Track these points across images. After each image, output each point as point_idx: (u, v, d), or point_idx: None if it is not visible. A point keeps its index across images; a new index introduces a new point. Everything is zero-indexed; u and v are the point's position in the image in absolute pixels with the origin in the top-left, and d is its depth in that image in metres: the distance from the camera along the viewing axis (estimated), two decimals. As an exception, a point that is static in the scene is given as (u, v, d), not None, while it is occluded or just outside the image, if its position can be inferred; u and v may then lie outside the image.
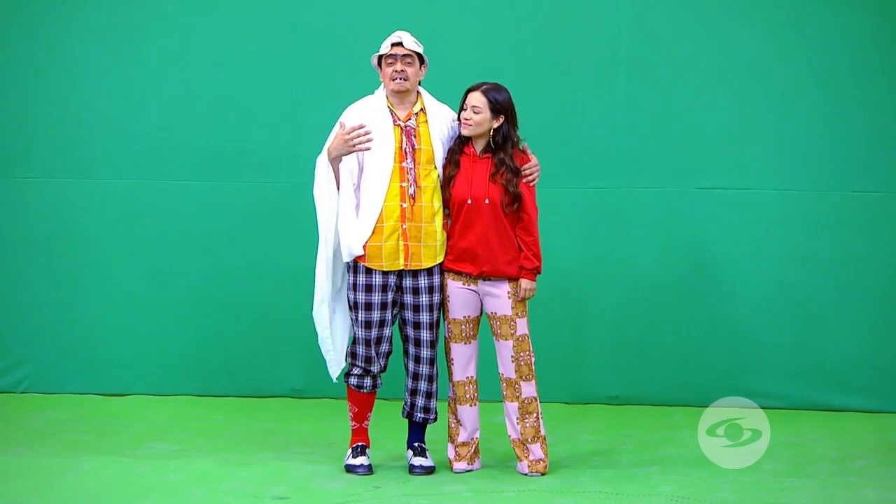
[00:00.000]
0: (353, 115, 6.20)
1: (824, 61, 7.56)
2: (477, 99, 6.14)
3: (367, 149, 6.08)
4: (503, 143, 6.16)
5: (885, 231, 7.57)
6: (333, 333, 6.23)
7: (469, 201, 6.14)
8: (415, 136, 6.18)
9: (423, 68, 6.23)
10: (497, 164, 6.15)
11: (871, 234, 7.58)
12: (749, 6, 7.57)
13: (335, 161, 6.12)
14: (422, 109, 6.23)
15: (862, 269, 7.60)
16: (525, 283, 6.17)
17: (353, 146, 6.06)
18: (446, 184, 6.19)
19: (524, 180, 6.15)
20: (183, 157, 7.77)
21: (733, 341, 7.66)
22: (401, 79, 6.13)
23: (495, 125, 6.15)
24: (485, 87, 6.17)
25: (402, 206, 6.12)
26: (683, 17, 7.60)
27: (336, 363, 6.26)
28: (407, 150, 6.15)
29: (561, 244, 7.35)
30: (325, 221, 6.16)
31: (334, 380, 6.30)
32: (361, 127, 6.07)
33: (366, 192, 6.13)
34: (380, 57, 6.20)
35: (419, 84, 6.26)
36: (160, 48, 7.75)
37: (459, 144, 6.23)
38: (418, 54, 6.18)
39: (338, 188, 6.14)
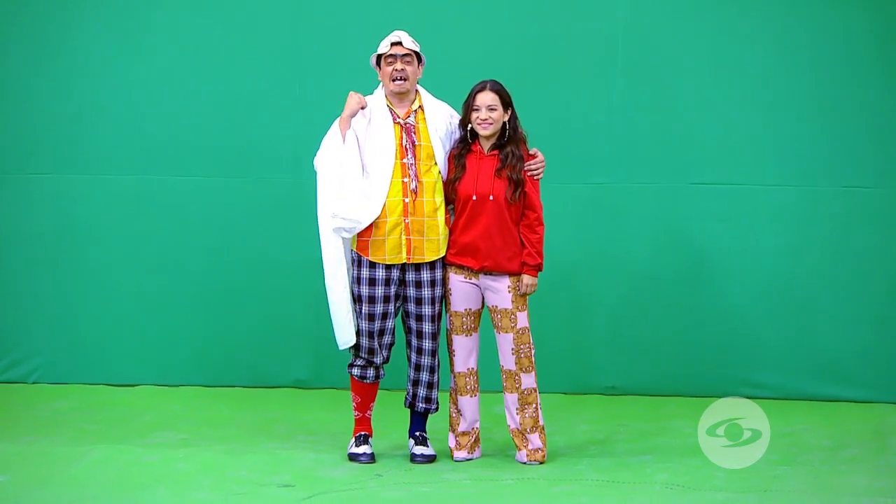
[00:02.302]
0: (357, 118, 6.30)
1: (818, 59, 7.60)
2: (491, 98, 6.21)
3: (365, 105, 6.18)
4: (513, 134, 6.25)
5: (877, 226, 7.61)
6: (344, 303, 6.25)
7: (474, 197, 6.21)
8: (414, 133, 6.25)
9: (420, 67, 6.30)
10: (503, 159, 6.22)
11: (864, 229, 7.62)
12: (744, 4, 7.62)
13: (345, 122, 6.19)
14: (420, 107, 6.30)
15: (854, 262, 7.64)
16: (527, 279, 6.24)
17: (358, 102, 6.16)
18: (452, 183, 6.27)
19: (528, 173, 6.23)
20: (187, 153, 7.81)
21: (728, 333, 7.70)
22: (401, 79, 6.20)
23: (506, 118, 6.24)
24: (490, 84, 6.24)
25: (404, 201, 6.20)
26: (680, 15, 7.64)
27: (348, 332, 6.25)
28: (407, 146, 6.23)
29: (559, 238, 7.37)
30: (329, 191, 6.17)
31: (341, 348, 6.29)
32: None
33: (367, 189, 6.20)
34: (379, 56, 6.28)
35: (417, 82, 6.34)
36: (165, 47, 7.79)
37: (465, 145, 6.30)
38: (416, 53, 6.26)
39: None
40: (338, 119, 6.27)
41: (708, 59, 7.66)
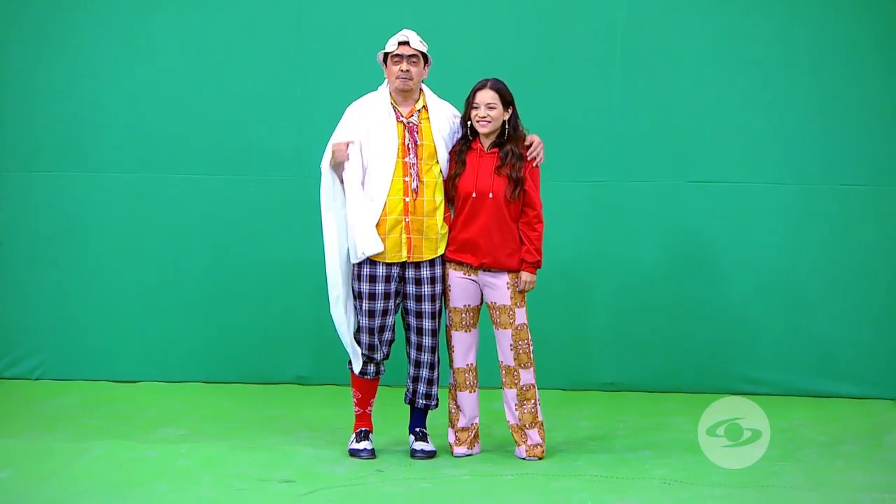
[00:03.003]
0: (356, 111, 6.32)
1: (816, 59, 7.64)
2: (490, 96, 6.25)
3: (346, 159, 6.22)
4: (514, 133, 6.29)
5: (873, 224, 7.66)
6: (350, 328, 6.36)
7: (473, 195, 6.25)
8: (417, 133, 6.28)
9: (426, 67, 6.33)
10: (503, 157, 6.26)
11: (859, 226, 7.67)
12: (743, 4, 7.65)
13: (337, 167, 6.27)
14: (424, 106, 6.33)
15: (851, 260, 7.68)
16: (525, 276, 6.28)
17: (342, 158, 6.21)
18: (452, 179, 6.31)
19: (532, 162, 6.26)
20: (191, 151, 7.85)
21: (726, 330, 7.75)
22: (405, 78, 6.23)
23: (506, 116, 6.28)
24: (490, 82, 6.28)
25: (405, 200, 6.23)
26: (678, 14, 7.68)
27: (358, 355, 6.37)
28: (409, 145, 6.26)
29: (559, 236, 7.41)
30: (332, 224, 6.27)
31: (357, 371, 6.37)
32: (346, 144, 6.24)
33: (369, 187, 6.25)
34: (385, 54, 6.32)
35: (421, 82, 6.37)
36: (167, 45, 7.82)
37: (465, 142, 6.34)
38: (423, 54, 6.30)
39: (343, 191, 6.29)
40: (330, 148, 6.31)
41: (707, 59, 7.70)
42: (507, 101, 6.28)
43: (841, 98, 7.65)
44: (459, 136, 6.39)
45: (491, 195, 6.24)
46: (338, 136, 6.31)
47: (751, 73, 7.68)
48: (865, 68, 7.63)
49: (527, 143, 6.31)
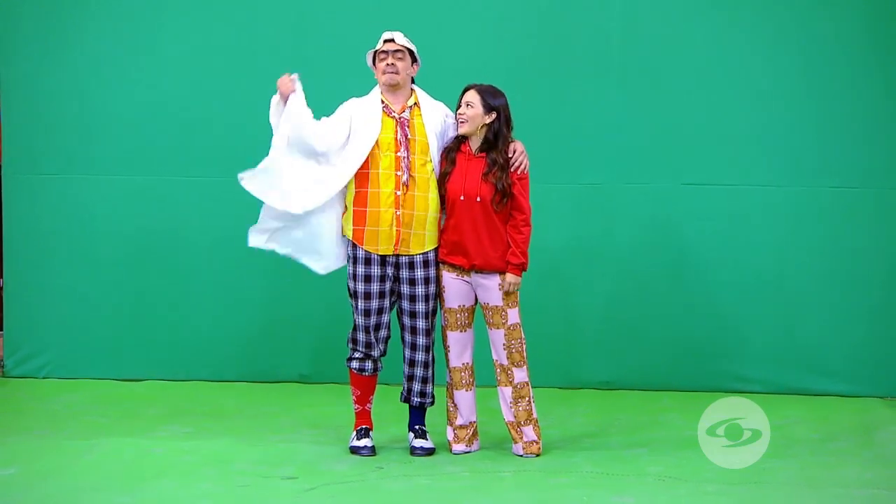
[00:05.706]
0: (347, 106, 6.42)
1: (808, 62, 7.69)
2: (471, 95, 6.31)
3: (292, 89, 6.31)
4: (495, 141, 6.32)
5: (864, 225, 7.71)
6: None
7: (462, 198, 6.31)
8: (409, 127, 6.35)
9: (414, 66, 6.41)
10: (490, 164, 6.31)
11: (851, 228, 7.72)
12: (736, 7, 7.70)
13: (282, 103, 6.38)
14: (416, 103, 6.40)
15: (842, 261, 7.73)
16: (510, 278, 6.32)
17: (282, 88, 6.32)
18: (442, 180, 6.37)
19: (517, 171, 6.31)
20: (194, 154, 7.93)
21: (718, 329, 7.80)
22: (392, 72, 6.31)
23: (487, 121, 6.31)
24: (477, 85, 6.34)
25: (396, 193, 6.31)
26: (672, 18, 7.73)
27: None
28: (401, 140, 6.33)
29: (553, 237, 7.49)
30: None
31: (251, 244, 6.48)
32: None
33: (336, 165, 6.32)
34: (374, 55, 6.41)
35: (412, 81, 6.44)
36: (174, 50, 7.90)
37: (457, 143, 6.39)
38: (410, 51, 6.37)
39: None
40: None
41: (700, 62, 7.74)
42: (489, 104, 6.31)
43: (833, 101, 7.69)
44: (452, 135, 6.45)
45: (479, 199, 6.30)
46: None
47: (744, 76, 7.72)
48: (857, 71, 7.67)
49: (509, 151, 6.35)
